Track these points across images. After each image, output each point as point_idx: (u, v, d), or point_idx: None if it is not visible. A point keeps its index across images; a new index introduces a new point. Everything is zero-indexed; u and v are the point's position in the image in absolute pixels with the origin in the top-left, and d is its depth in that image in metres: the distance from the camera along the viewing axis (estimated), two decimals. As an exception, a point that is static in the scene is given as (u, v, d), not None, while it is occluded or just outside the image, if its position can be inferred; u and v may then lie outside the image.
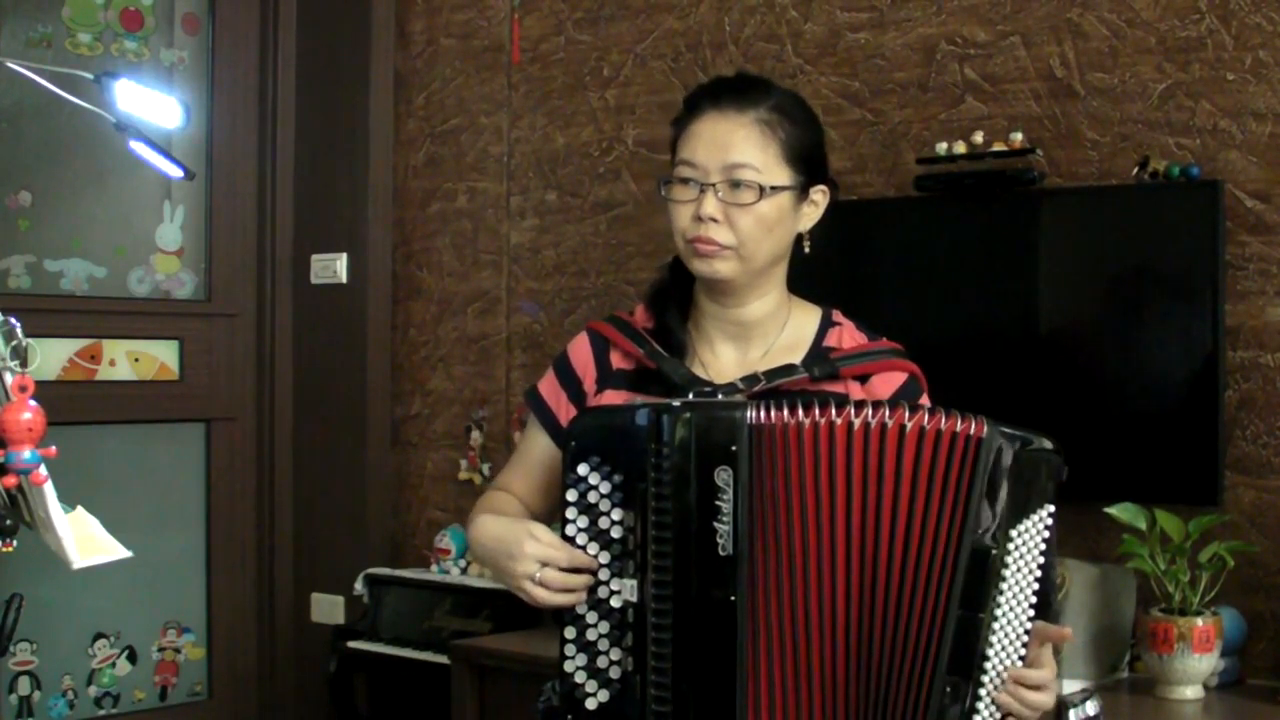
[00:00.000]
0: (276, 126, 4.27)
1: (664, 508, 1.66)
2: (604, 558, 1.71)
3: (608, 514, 1.71)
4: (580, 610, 1.71)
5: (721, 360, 1.92)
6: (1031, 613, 1.68)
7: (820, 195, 1.91)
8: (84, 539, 1.60)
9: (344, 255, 4.23)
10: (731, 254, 1.84)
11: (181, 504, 4.21)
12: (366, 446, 4.21)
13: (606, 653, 1.71)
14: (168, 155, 3.28)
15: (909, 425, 1.66)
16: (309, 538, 4.29)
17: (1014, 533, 1.66)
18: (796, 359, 1.89)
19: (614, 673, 1.70)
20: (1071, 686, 2.68)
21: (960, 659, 1.65)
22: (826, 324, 1.95)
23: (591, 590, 1.71)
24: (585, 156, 3.90)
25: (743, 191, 1.81)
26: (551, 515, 1.98)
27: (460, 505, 4.09)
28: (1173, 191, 2.92)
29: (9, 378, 1.53)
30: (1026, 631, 1.68)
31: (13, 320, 1.55)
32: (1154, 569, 2.71)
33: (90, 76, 3.09)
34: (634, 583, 1.69)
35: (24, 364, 1.54)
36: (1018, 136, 3.08)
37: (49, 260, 3.98)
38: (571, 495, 1.72)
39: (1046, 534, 1.68)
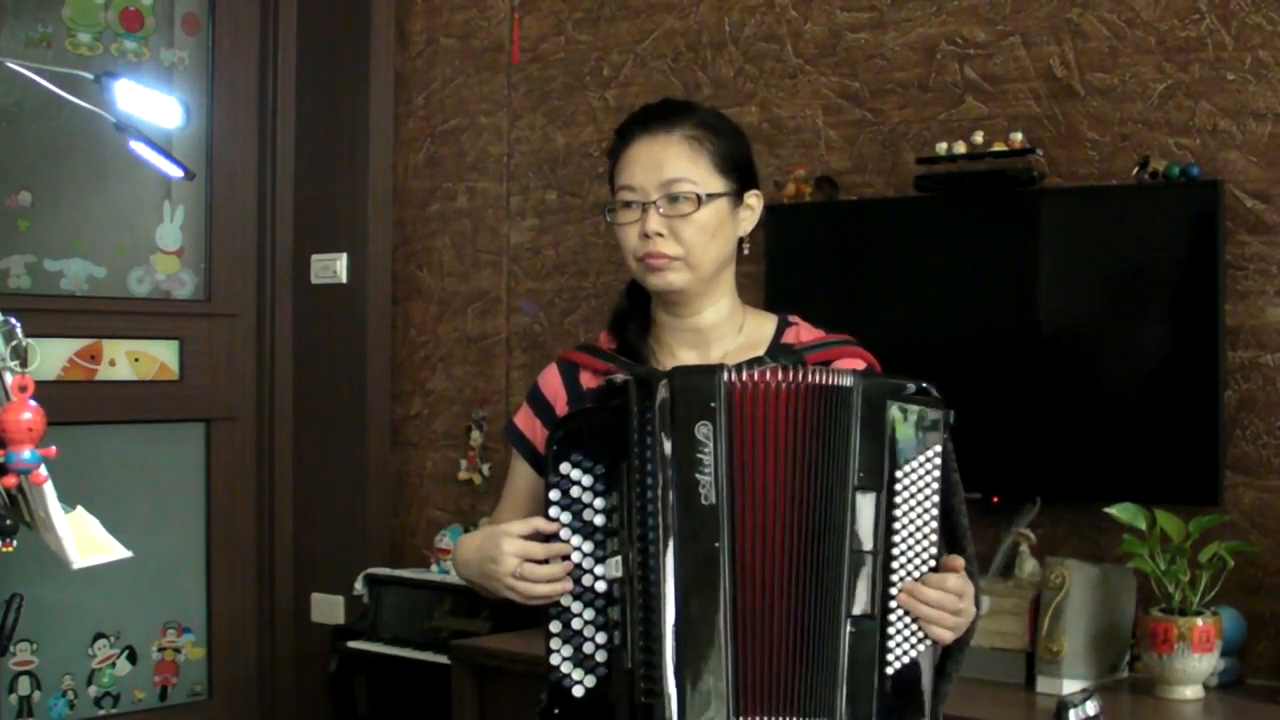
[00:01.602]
0: (276, 126, 4.27)
1: (649, 468, 1.73)
2: (586, 547, 1.77)
3: (590, 505, 1.77)
4: (565, 602, 1.77)
5: (682, 365, 1.96)
6: (934, 550, 1.76)
7: (755, 200, 1.99)
8: (84, 539, 1.60)
9: (344, 255, 4.23)
10: (681, 264, 1.92)
11: (181, 504, 4.21)
12: (366, 446, 4.21)
13: (592, 638, 1.76)
14: (168, 155, 3.27)
15: (787, 383, 1.76)
16: (309, 538, 4.29)
17: (899, 474, 1.74)
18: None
19: (600, 656, 1.75)
20: (1071, 686, 2.68)
21: (861, 598, 1.73)
22: (783, 325, 2.03)
23: (574, 583, 1.77)
24: (585, 156, 3.90)
25: (682, 203, 1.91)
26: None
27: (460, 505, 4.10)
28: (1173, 191, 2.92)
29: (9, 378, 1.53)
30: (932, 570, 1.75)
31: (13, 320, 1.55)
32: (1154, 569, 2.71)
33: (90, 76, 3.08)
34: (618, 559, 1.75)
35: (24, 364, 1.54)
36: (1018, 136, 3.08)
37: (49, 260, 3.99)
38: (554, 494, 1.78)
39: (936, 474, 1.76)
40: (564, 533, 1.77)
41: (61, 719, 3.98)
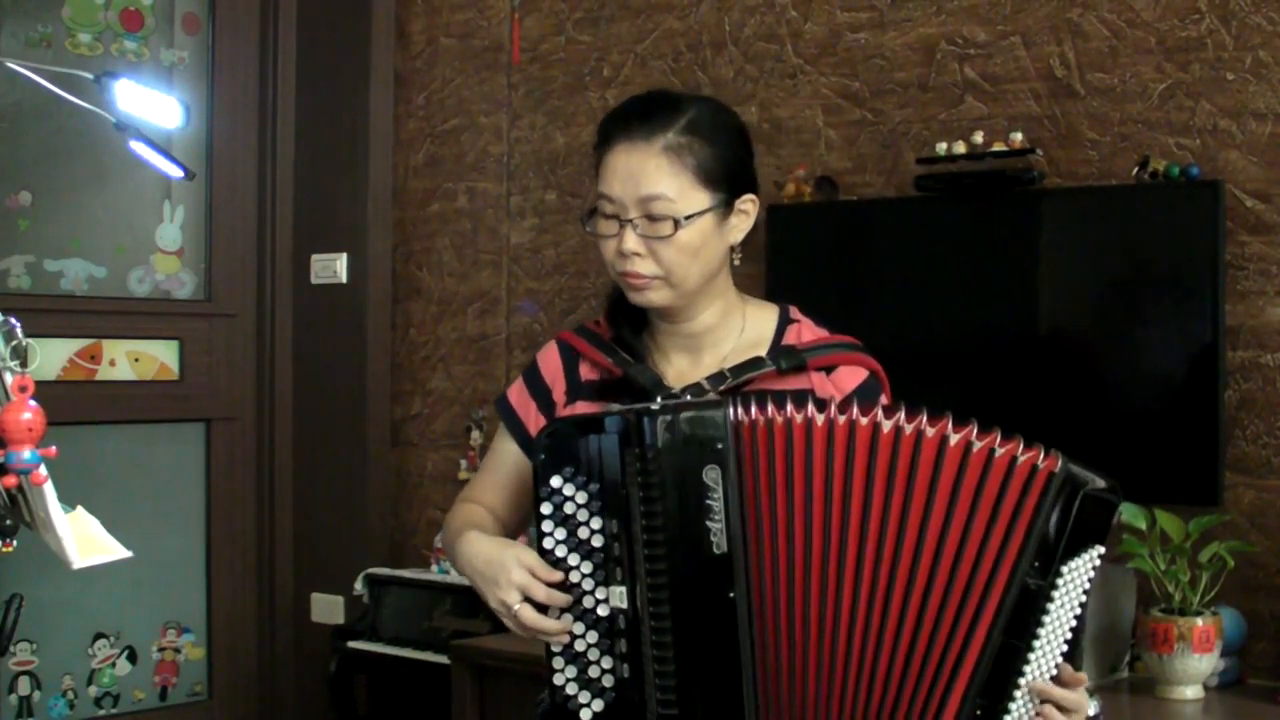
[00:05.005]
0: (276, 126, 4.27)
1: (653, 510, 1.63)
2: (586, 568, 1.68)
3: (586, 523, 1.68)
4: (568, 628, 1.69)
5: (676, 368, 1.91)
6: (1065, 648, 1.65)
7: (749, 205, 1.87)
8: (84, 539, 1.59)
9: (344, 255, 4.23)
10: (661, 283, 1.82)
11: (181, 504, 4.21)
12: (366, 446, 4.21)
13: (598, 662, 1.68)
14: (168, 155, 3.28)
15: (977, 445, 1.63)
16: (309, 538, 4.29)
17: (1064, 569, 1.63)
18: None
19: (607, 681, 1.68)
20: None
21: (995, 684, 1.63)
22: (785, 321, 1.94)
23: (576, 601, 1.68)
24: (585, 156, 3.89)
25: (660, 224, 1.78)
26: (523, 526, 1.97)
27: (460, 505, 4.09)
28: (1173, 191, 2.92)
29: (9, 378, 1.53)
30: (1056, 666, 1.65)
31: (13, 320, 1.55)
32: (1154, 569, 2.71)
33: (90, 76, 3.09)
34: (622, 589, 1.65)
35: (24, 364, 1.54)
36: (1018, 136, 3.08)
37: (49, 260, 3.98)
38: (546, 508, 1.69)
39: (1092, 573, 1.65)
40: (560, 550, 1.69)
41: (61, 719, 3.98)
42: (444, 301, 4.18)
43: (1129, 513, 2.73)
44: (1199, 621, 2.66)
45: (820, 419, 1.64)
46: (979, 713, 1.62)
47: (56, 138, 3.95)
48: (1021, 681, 1.63)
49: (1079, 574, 1.65)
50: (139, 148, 3.20)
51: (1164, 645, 2.67)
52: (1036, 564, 1.62)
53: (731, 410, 1.65)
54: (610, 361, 1.89)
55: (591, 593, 1.68)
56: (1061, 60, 3.14)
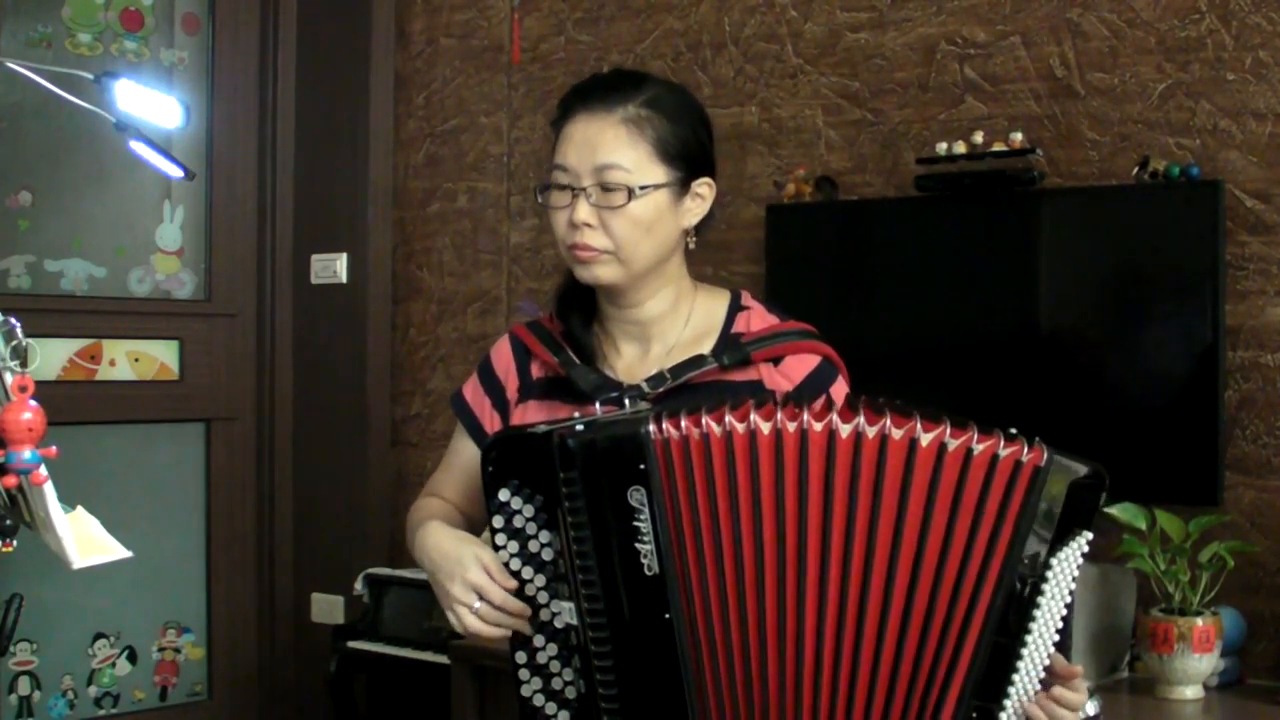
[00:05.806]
0: (276, 126, 4.27)
1: (582, 534, 1.60)
2: (540, 580, 1.67)
3: (535, 536, 1.66)
4: (527, 632, 1.68)
5: (625, 359, 1.89)
6: (1057, 638, 1.62)
7: (705, 189, 1.84)
8: (84, 539, 1.59)
9: (344, 255, 4.23)
10: (610, 258, 1.80)
11: (181, 504, 4.21)
12: (366, 446, 4.21)
13: (559, 674, 1.67)
14: (168, 155, 3.27)
15: (952, 444, 1.55)
16: (309, 538, 4.29)
17: (1054, 560, 1.59)
18: (706, 349, 1.85)
19: (570, 693, 1.67)
20: (1071, 686, 2.67)
21: (989, 685, 1.58)
22: (735, 308, 1.90)
23: (534, 613, 1.67)
24: (585, 156, 3.89)
25: (613, 194, 1.77)
26: (484, 522, 1.97)
27: (460, 505, 4.09)
28: (1173, 191, 2.92)
29: (9, 378, 1.53)
30: (1049, 656, 1.62)
31: (13, 320, 1.55)
32: (1154, 569, 2.71)
33: (90, 76, 3.08)
34: (571, 605, 1.63)
35: (24, 364, 1.54)
36: (1018, 136, 3.08)
37: (49, 260, 3.98)
38: (497, 521, 1.67)
39: (1080, 560, 1.62)
40: (514, 563, 1.67)
41: (61, 719, 3.98)
42: (444, 301, 4.19)
43: (1129, 513, 2.73)
44: (1199, 621, 2.66)
45: (766, 428, 1.55)
46: (975, 715, 1.59)
47: (56, 138, 3.95)
48: (1016, 678, 1.61)
49: (1068, 564, 1.61)
50: (139, 148, 3.20)
51: (1164, 645, 2.67)
52: (1025, 561, 1.56)
53: (655, 427, 1.58)
54: (556, 361, 1.87)
55: (547, 605, 1.67)
56: (1061, 60, 3.14)
